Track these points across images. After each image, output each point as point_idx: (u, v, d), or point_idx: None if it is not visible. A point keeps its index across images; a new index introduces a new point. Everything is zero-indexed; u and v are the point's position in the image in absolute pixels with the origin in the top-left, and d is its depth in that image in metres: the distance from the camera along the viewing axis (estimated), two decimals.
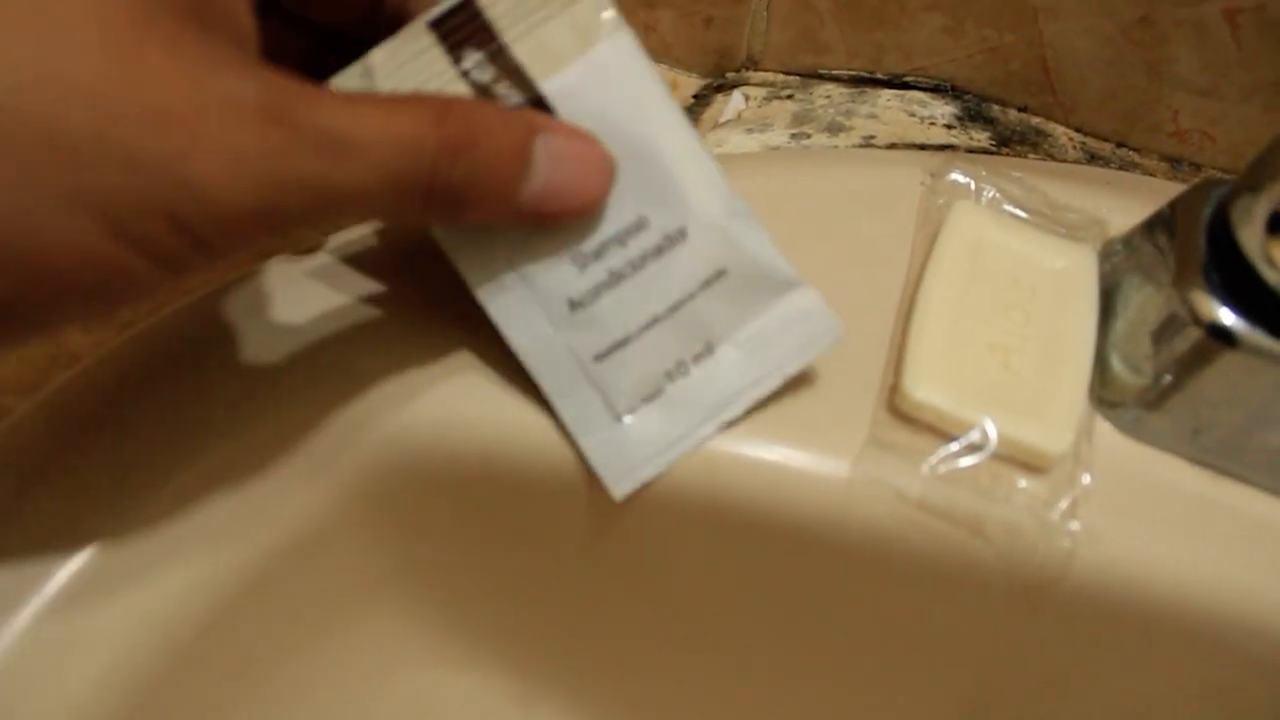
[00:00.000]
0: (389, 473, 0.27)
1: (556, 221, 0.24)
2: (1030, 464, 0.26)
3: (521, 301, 0.25)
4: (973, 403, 0.27)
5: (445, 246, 0.25)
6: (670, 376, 0.26)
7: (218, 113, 0.18)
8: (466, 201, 0.21)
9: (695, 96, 0.39)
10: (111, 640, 0.24)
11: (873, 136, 0.36)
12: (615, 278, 0.25)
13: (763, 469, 0.26)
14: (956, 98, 0.37)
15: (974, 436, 0.27)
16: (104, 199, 0.17)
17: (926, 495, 0.26)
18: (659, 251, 0.25)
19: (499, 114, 0.22)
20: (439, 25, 0.23)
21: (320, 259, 0.30)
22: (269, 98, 0.18)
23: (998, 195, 0.32)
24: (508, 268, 0.25)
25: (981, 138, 0.36)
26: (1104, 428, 0.28)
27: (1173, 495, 0.27)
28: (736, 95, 0.38)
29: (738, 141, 0.35)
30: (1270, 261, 0.25)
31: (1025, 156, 0.36)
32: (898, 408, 0.27)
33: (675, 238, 0.25)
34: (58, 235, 0.17)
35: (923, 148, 0.35)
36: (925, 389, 0.27)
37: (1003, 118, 0.37)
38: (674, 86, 0.40)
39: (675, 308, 0.25)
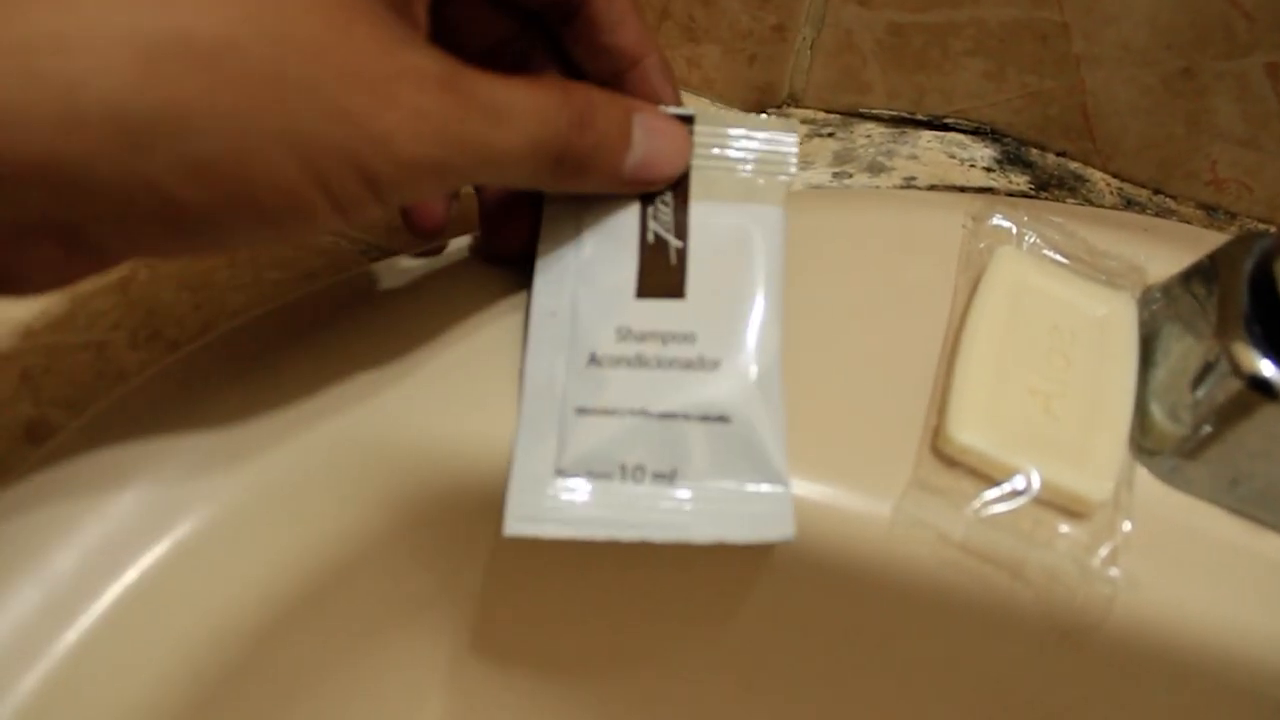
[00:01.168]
0: (434, 497, 0.28)
1: (649, 188, 0.27)
2: (1072, 510, 0.27)
3: (558, 336, 0.27)
4: (1015, 447, 0.27)
5: (538, 263, 0.28)
6: (624, 472, 0.26)
7: (407, 80, 0.21)
8: (588, 169, 0.25)
9: None
10: (163, 654, 0.25)
11: (914, 178, 0.36)
12: (640, 362, 0.26)
13: (806, 507, 0.27)
14: (996, 140, 0.38)
15: (1017, 482, 0.27)
16: (307, 143, 0.20)
17: (969, 537, 0.27)
18: (688, 366, 0.26)
19: (605, 94, 0.25)
20: None
21: (379, 279, 0.30)
22: (445, 70, 0.22)
23: (1038, 240, 0.32)
24: (569, 301, 0.27)
25: (1020, 181, 0.36)
26: (1143, 475, 0.28)
27: (1211, 545, 0.27)
28: None
29: None
30: None
31: (1064, 201, 0.36)
32: (941, 450, 0.27)
33: (709, 365, 0.26)
34: (263, 166, 0.19)
35: (962, 190, 0.36)
36: (969, 433, 0.27)
37: (1041, 162, 0.37)
38: None
39: (667, 418, 0.26)
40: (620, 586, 0.30)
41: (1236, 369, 0.27)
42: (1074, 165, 0.37)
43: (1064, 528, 0.27)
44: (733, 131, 0.28)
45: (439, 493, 0.28)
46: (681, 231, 0.27)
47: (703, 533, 0.25)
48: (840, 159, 0.37)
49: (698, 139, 0.28)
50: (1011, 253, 0.31)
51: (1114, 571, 0.26)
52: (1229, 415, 0.27)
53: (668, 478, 0.26)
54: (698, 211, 0.28)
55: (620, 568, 0.29)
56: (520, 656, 0.34)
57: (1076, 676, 0.28)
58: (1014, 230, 0.32)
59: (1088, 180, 0.37)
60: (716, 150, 0.28)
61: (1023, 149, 0.38)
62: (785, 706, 0.32)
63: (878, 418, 0.28)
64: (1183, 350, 0.29)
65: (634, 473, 0.26)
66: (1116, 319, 0.30)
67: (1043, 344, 0.29)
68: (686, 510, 0.25)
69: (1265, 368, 0.26)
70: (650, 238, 0.27)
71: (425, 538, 0.29)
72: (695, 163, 0.28)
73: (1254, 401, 0.26)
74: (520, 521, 0.25)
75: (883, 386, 0.29)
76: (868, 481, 0.27)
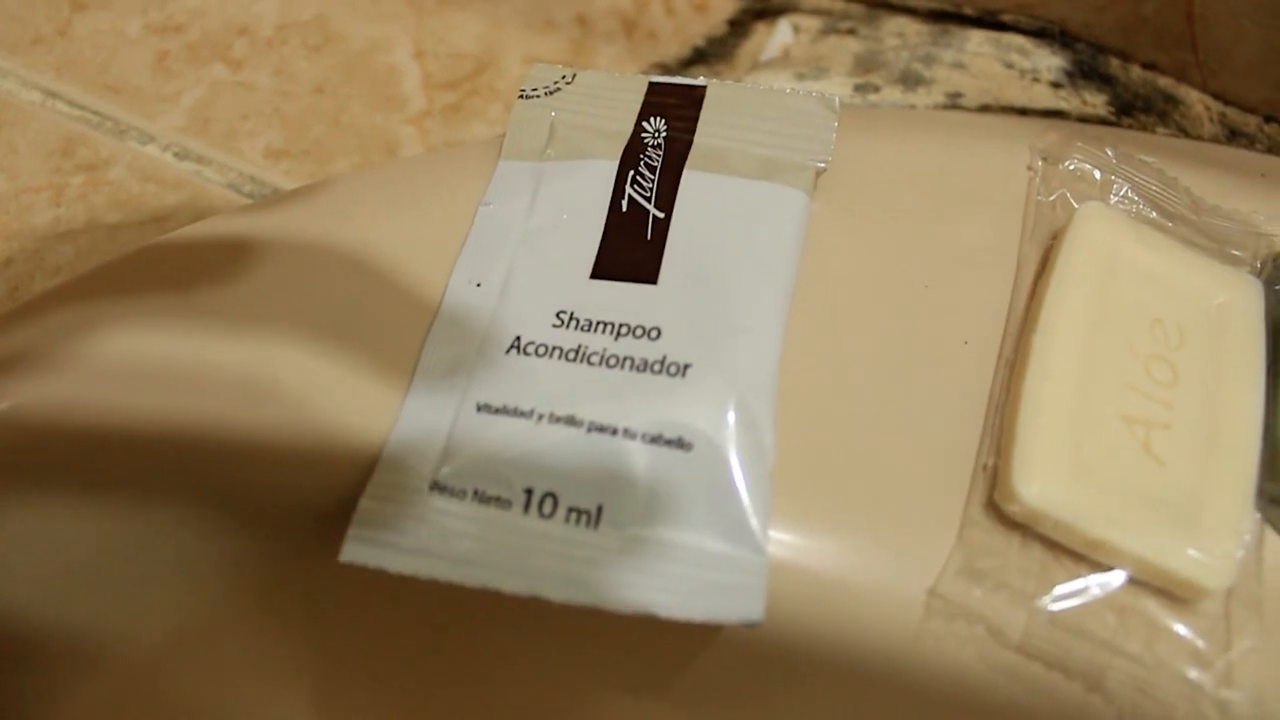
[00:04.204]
0: (287, 558, 0.20)
1: None
2: (1176, 596, 0.19)
3: (476, 312, 0.21)
4: (1107, 509, 0.19)
5: (475, 222, 0.22)
6: (529, 499, 0.19)
7: None
8: None
9: (730, 23, 0.31)
10: None
11: (959, 94, 0.27)
12: (579, 356, 0.20)
13: (794, 578, 0.19)
14: (1066, 46, 0.29)
15: (1100, 555, 0.19)
16: None
17: (1031, 635, 0.19)
18: (644, 369, 0.19)
19: None
20: (656, 88, 0.24)
21: (254, 227, 0.22)
22: None
23: (1131, 193, 0.24)
24: (503, 271, 0.22)
25: (1097, 102, 0.28)
26: (1277, 543, 0.21)
27: None
28: (783, 25, 0.30)
29: None
30: None
31: (1152, 131, 0.27)
32: (1001, 508, 0.20)
33: (674, 370, 0.19)
34: None
35: (1024, 112, 0.27)
36: (1042, 487, 0.19)
37: (1124, 76, 0.28)
38: (704, 8, 0.31)
39: (602, 433, 0.19)
40: (544, 658, 0.22)
41: None
42: (1164, 82, 0.29)
43: (1164, 623, 0.19)
44: (749, 102, 0.23)
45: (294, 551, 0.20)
46: (666, 201, 0.22)
47: (625, 598, 0.18)
48: (864, 65, 0.28)
49: (708, 110, 0.23)
50: (1099, 211, 0.23)
51: (1231, 693, 0.19)
52: None
53: (590, 516, 0.19)
54: (692, 181, 0.22)
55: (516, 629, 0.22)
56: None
57: None
58: (1098, 176, 0.24)
59: (1182, 103, 0.28)
60: (731, 121, 0.23)
61: (1100, 58, 0.29)
62: None
63: (909, 454, 0.20)
64: None
65: (541, 502, 0.19)
66: (1237, 309, 0.22)
67: (1140, 347, 0.21)
68: (607, 563, 0.18)
69: None
70: (624, 205, 0.21)
71: (286, 601, 0.21)
72: (701, 134, 0.23)
73: None
74: (363, 544, 0.18)
75: (917, 407, 0.21)
76: (892, 546, 0.19)
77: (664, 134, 0.23)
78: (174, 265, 0.23)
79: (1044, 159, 0.24)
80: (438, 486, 0.19)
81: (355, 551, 0.18)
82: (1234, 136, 0.28)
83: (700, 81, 0.24)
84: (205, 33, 0.30)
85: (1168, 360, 0.21)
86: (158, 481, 0.21)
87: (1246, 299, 0.22)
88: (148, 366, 0.21)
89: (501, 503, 0.19)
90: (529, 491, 0.19)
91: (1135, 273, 0.22)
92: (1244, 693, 0.19)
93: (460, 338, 0.21)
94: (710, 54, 0.30)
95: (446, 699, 0.23)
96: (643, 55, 0.30)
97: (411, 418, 0.20)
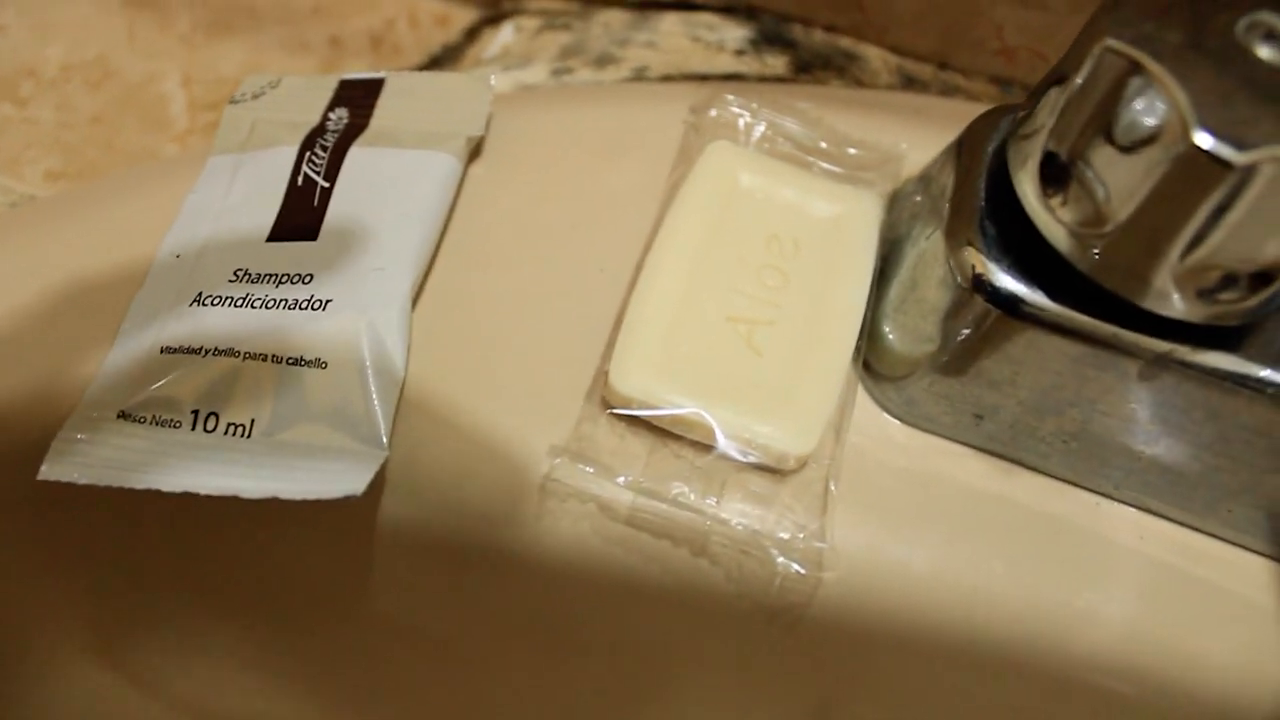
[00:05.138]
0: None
1: None
2: (768, 468, 0.22)
3: (173, 279, 0.24)
4: (698, 393, 0.22)
5: (181, 210, 0.25)
6: (195, 420, 0.22)
7: None
8: None
9: (466, 32, 0.34)
10: None
11: (645, 68, 0.30)
12: (245, 303, 0.23)
13: (436, 473, 0.22)
14: (751, 18, 0.32)
15: (697, 435, 0.22)
16: None
17: (638, 509, 0.21)
18: (295, 307, 0.23)
19: None
20: (345, 84, 0.27)
21: None
22: None
23: (769, 131, 0.27)
24: (200, 244, 0.25)
25: (778, 64, 0.31)
26: (872, 415, 0.23)
27: (949, 492, 0.23)
28: (506, 27, 0.33)
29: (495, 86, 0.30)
30: (1053, 211, 0.20)
31: (826, 84, 0.30)
32: (608, 401, 0.22)
33: (318, 306, 0.23)
34: None
35: (705, 79, 0.30)
36: (636, 378, 0.22)
37: (806, 40, 0.32)
38: (445, 21, 0.34)
39: (256, 360, 0.22)
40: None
41: (966, 279, 0.21)
42: (845, 42, 0.32)
43: (759, 490, 0.22)
44: (421, 88, 0.27)
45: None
46: (332, 173, 0.25)
47: (258, 488, 0.21)
48: (566, 53, 0.31)
49: (384, 97, 0.27)
50: (725, 147, 0.26)
51: (822, 543, 0.21)
52: (966, 337, 0.22)
53: (244, 428, 0.22)
54: (356, 156, 0.25)
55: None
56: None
57: (806, 660, 0.23)
58: (742, 122, 0.27)
59: (860, 58, 0.31)
60: (402, 105, 0.27)
61: (782, 26, 0.32)
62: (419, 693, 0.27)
63: (542, 366, 0.23)
64: (916, 257, 0.23)
65: (206, 420, 0.22)
66: (852, 221, 0.25)
67: (754, 258, 0.24)
68: (253, 464, 0.21)
69: (999, 277, 0.21)
70: (300, 180, 0.25)
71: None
72: (376, 118, 0.26)
73: (991, 319, 0.21)
74: (56, 464, 0.21)
75: (557, 326, 0.24)
76: (519, 441, 0.22)
77: (345, 120, 0.26)
78: None
79: (694, 110, 0.27)
80: (124, 415, 0.22)
81: (50, 470, 0.21)
82: (910, 84, 0.31)
83: (381, 75, 0.27)
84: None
85: (780, 269, 0.24)
86: None
87: (863, 212, 0.25)
88: None
89: (174, 424, 0.22)
90: (195, 413, 0.22)
91: (755, 197, 0.25)
92: (834, 536, 0.21)
93: (158, 299, 0.24)
94: (443, 59, 0.33)
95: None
96: (386, 66, 0.33)
97: (111, 365, 0.23)
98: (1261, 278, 0.19)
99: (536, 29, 0.32)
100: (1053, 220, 0.20)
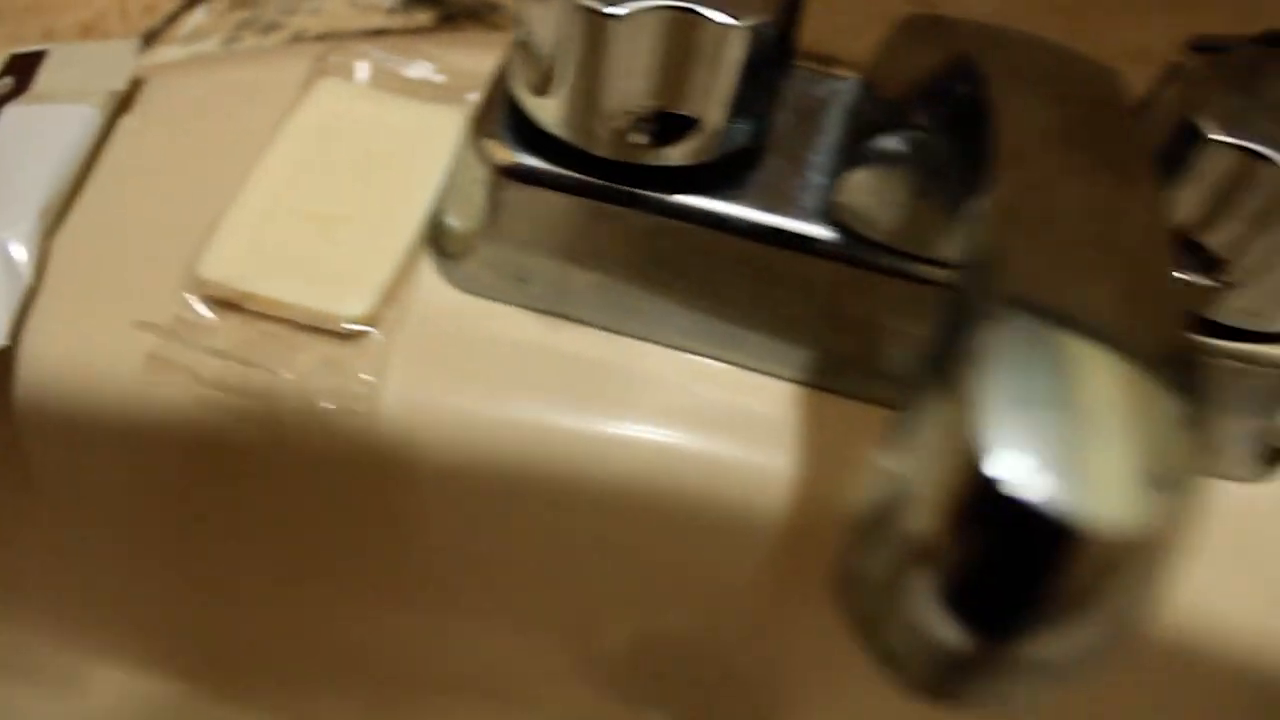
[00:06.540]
0: None
1: None
2: (328, 331, 0.26)
3: None
4: (268, 275, 0.26)
5: None
6: None
7: None
8: None
9: (170, 18, 0.38)
10: None
11: (303, 32, 0.35)
12: None
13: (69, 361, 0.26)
14: None
15: (274, 311, 0.26)
16: None
17: (228, 374, 0.26)
18: None
19: None
20: (15, 57, 0.31)
21: None
22: None
23: (375, 70, 0.31)
24: None
25: (424, 18, 0.35)
26: (439, 289, 0.28)
27: (500, 348, 0.27)
28: (200, 10, 0.37)
29: (170, 56, 0.35)
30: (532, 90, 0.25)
31: (464, 31, 0.35)
32: (203, 290, 0.27)
33: None
34: None
35: (352, 36, 0.35)
36: (213, 267, 0.26)
37: None
38: (153, 9, 0.39)
39: None
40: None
41: (483, 159, 0.26)
42: None
43: (326, 351, 0.26)
44: (77, 55, 0.31)
45: None
46: None
47: None
48: (240, 27, 0.36)
49: (45, 65, 0.31)
50: (329, 85, 0.30)
51: (368, 389, 0.26)
52: (491, 208, 0.26)
53: None
54: (11, 111, 0.30)
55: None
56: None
57: (376, 499, 0.28)
58: (357, 64, 0.31)
59: (500, 7, 0.36)
60: (61, 71, 0.31)
61: None
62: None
63: (160, 267, 0.27)
64: (461, 149, 0.28)
65: None
66: (437, 132, 0.29)
67: (345, 172, 0.29)
68: None
69: (505, 151, 0.26)
70: None
71: None
72: (36, 82, 0.30)
73: (506, 189, 0.26)
74: None
75: (175, 235, 0.28)
76: (129, 332, 0.26)
77: (11, 86, 0.31)
78: None
79: (316, 59, 0.32)
80: None
81: None
82: None
83: (45, 47, 0.32)
84: None
85: (365, 178, 0.29)
86: None
87: (446, 123, 0.30)
88: None
89: None
90: None
91: (356, 124, 0.30)
92: (389, 387, 0.26)
93: None
94: (146, 42, 0.37)
95: None
96: None
97: None
98: (667, 118, 0.23)
99: (225, 9, 0.37)
100: (528, 95, 0.25)
